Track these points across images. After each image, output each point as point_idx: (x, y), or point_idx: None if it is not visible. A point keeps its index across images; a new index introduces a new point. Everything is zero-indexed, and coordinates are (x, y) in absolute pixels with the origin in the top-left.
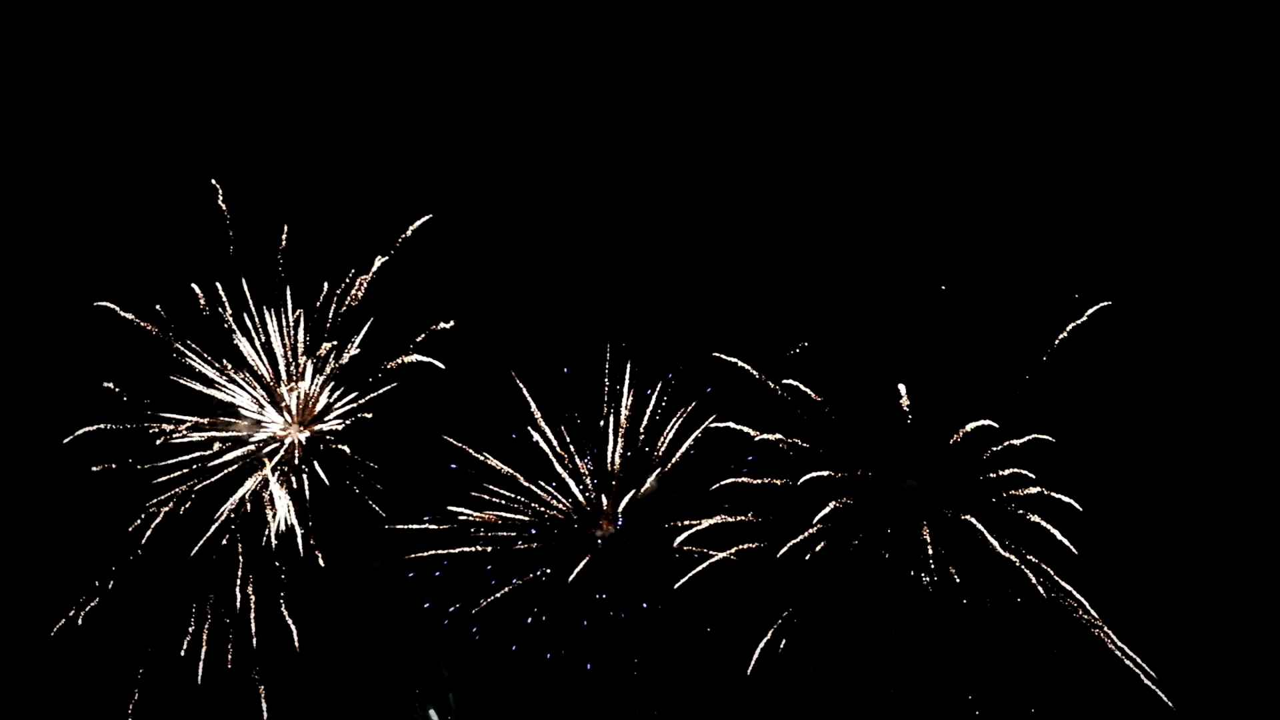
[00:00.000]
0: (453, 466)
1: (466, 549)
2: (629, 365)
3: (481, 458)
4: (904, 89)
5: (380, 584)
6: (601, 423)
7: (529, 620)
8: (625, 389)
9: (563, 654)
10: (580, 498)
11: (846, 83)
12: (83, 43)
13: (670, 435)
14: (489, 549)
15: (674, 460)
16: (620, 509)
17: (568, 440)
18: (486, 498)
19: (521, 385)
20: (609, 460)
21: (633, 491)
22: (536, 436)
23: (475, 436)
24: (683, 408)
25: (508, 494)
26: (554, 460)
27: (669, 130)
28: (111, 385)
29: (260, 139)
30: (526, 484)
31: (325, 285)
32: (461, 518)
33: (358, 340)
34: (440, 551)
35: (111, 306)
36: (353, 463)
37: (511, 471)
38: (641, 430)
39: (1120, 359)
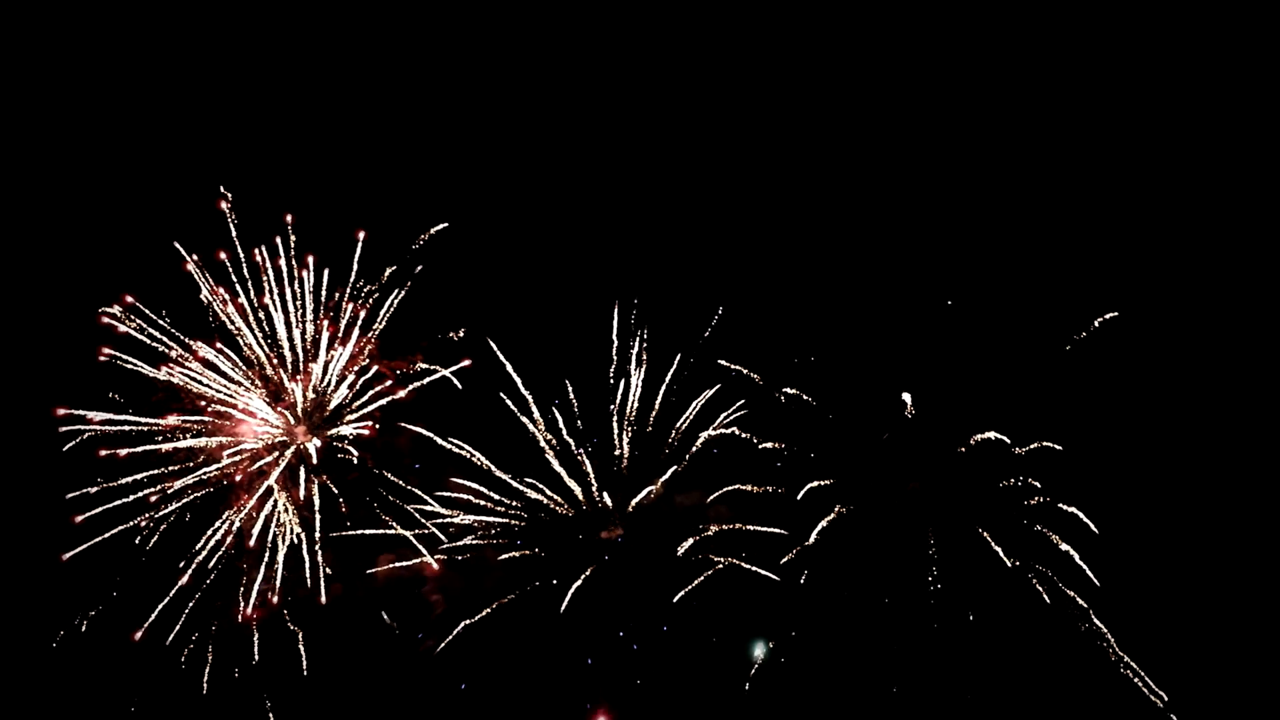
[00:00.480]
0: (417, 466)
1: (452, 557)
2: (641, 333)
3: (473, 456)
4: (915, 103)
5: (380, 596)
6: (613, 407)
7: (520, 654)
8: (634, 367)
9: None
10: (581, 497)
11: (859, 97)
12: (109, 51)
13: (685, 425)
14: (477, 557)
15: (689, 455)
16: (630, 511)
17: (562, 430)
18: (479, 501)
19: (515, 374)
20: (616, 453)
21: (646, 491)
22: (533, 429)
23: (472, 432)
24: (696, 395)
25: (502, 496)
26: (551, 455)
27: (678, 133)
28: (115, 396)
29: (271, 144)
30: (519, 485)
31: (336, 294)
32: (443, 521)
33: (367, 346)
34: (420, 561)
35: (115, 311)
36: (361, 470)
37: (501, 472)
38: (651, 419)
39: (1127, 368)
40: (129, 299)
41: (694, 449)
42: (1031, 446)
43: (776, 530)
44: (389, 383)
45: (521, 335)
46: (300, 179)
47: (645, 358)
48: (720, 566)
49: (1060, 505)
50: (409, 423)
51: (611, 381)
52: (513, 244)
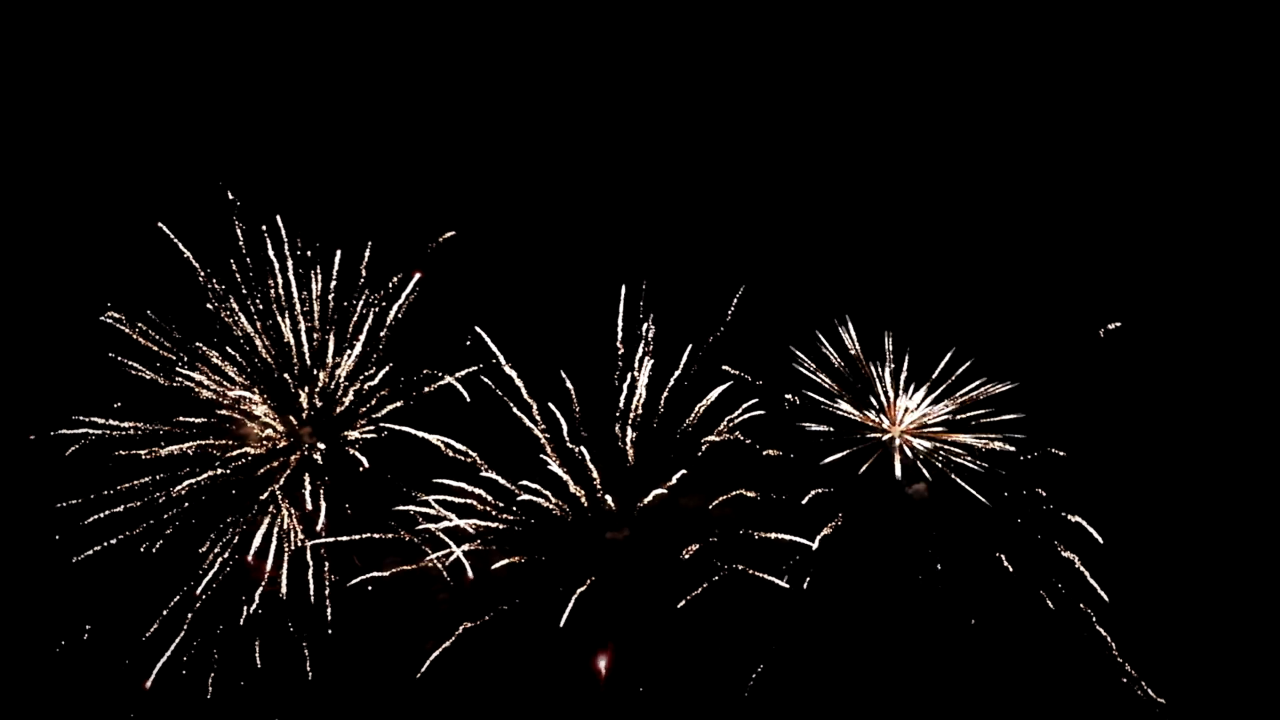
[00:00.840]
0: (423, 471)
1: (457, 562)
2: (647, 330)
3: (478, 460)
4: (926, 118)
5: (385, 600)
6: (619, 405)
7: (525, 658)
8: (640, 360)
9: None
10: (585, 498)
11: (868, 113)
12: (119, 53)
13: (693, 426)
14: (483, 561)
15: (697, 456)
16: (635, 513)
17: (566, 432)
18: (483, 507)
19: (521, 378)
20: (622, 456)
21: (656, 492)
22: (537, 432)
23: (478, 434)
24: (705, 388)
25: (508, 499)
26: (557, 456)
27: (684, 113)
28: (118, 404)
29: (276, 148)
30: (524, 487)
31: (344, 300)
32: (449, 525)
33: (374, 352)
34: (425, 565)
35: (119, 316)
36: (367, 474)
37: (507, 474)
38: (658, 417)
39: (1131, 378)
40: (132, 302)
41: (701, 451)
42: (1036, 454)
43: (782, 536)
44: (398, 386)
45: (526, 332)
46: (306, 183)
47: (652, 349)
48: (725, 572)
49: (1064, 514)
50: (416, 427)
51: (617, 376)
52: (519, 236)
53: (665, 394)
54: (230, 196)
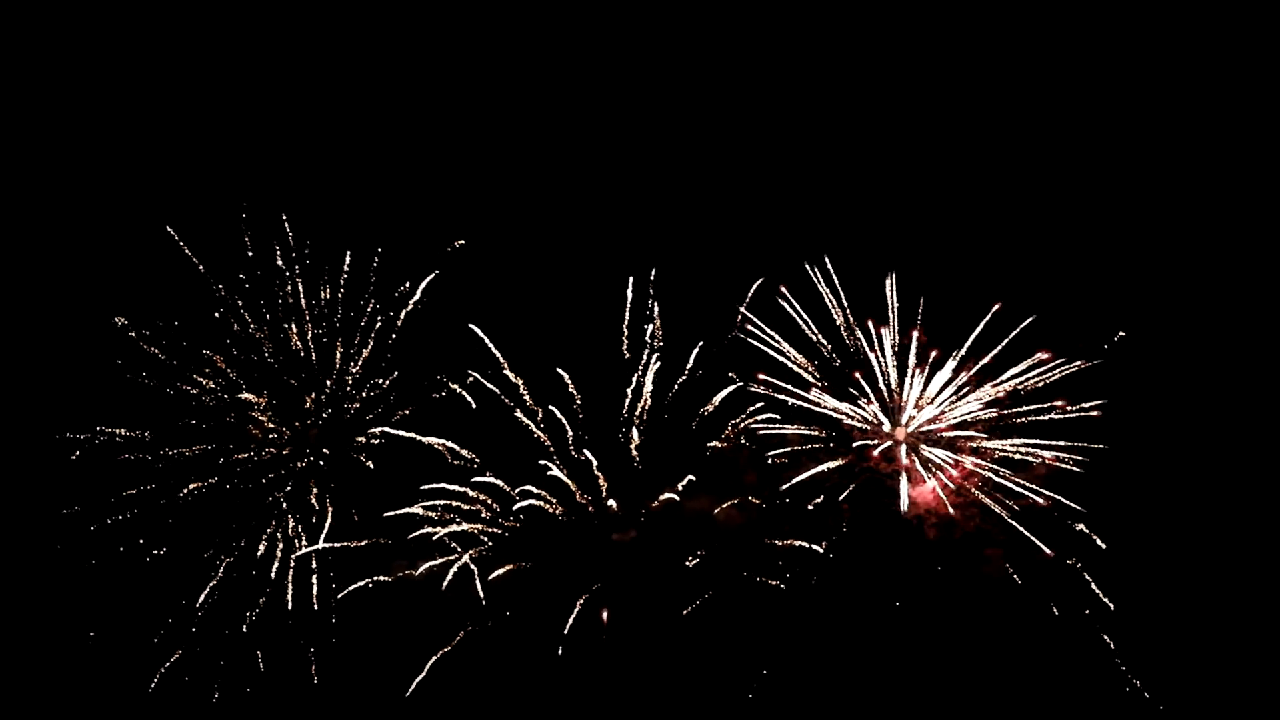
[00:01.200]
0: (428, 477)
1: (463, 565)
2: (653, 324)
3: (483, 464)
4: (935, 128)
5: (391, 604)
6: (625, 405)
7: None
8: (647, 358)
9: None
10: (592, 500)
11: (877, 130)
12: (127, 59)
13: (700, 428)
14: (490, 563)
15: (705, 457)
16: (641, 515)
17: (571, 433)
18: (486, 513)
19: (527, 384)
20: (628, 452)
21: (663, 496)
22: (542, 435)
23: (483, 436)
24: (714, 384)
25: (514, 501)
26: (563, 458)
27: (692, 104)
28: (124, 410)
29: (282, 152)
30: (530, 489)
31: (352, 311)
32: (455, 530)
33: (383, 359)
34: (430, 569)
35: (125, 321)
36: (373, 479)
37: (513, 476)
38: (664, 417)
39: (1134, 385)
40: (139, 307)
41: (708, 454)
42: (1040, 460)
43: (788, 541)
44: (405, 391)
45: (533, 335)
46: (314, 188)
47: (659, 350)
48: (730, 576)
49: (1068, 521)
50: (421, 432)
51: (623, 378)
52: (522, 238)
53: (670, 396)
54: (238, 201)
